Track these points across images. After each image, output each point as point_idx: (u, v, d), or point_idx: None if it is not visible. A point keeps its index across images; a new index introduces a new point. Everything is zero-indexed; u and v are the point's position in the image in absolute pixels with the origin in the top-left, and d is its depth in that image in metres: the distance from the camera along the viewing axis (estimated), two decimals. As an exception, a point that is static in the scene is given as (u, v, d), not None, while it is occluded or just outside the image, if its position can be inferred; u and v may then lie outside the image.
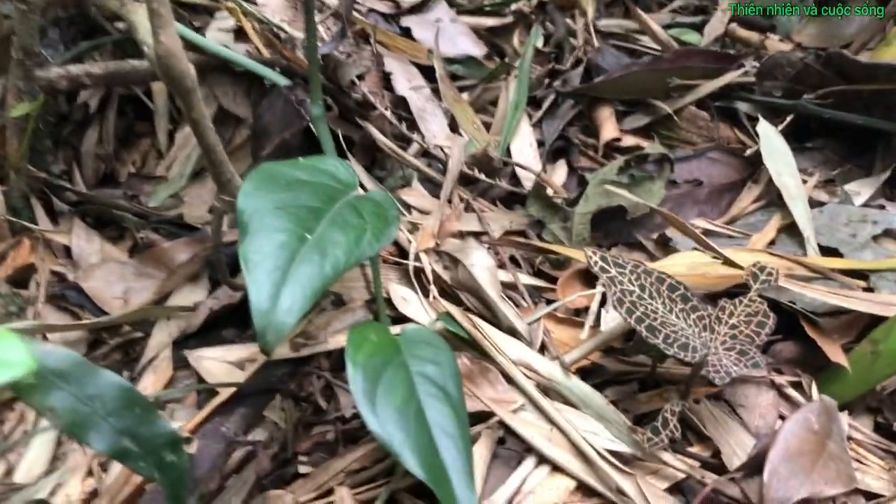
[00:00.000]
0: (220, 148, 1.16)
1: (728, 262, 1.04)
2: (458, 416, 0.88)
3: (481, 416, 1.00)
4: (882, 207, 1.30)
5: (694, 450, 1.02)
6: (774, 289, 1.10)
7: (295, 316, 0.84)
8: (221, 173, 1.18)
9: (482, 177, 1.41)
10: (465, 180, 1.46)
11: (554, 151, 1.54)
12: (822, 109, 1.42)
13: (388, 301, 1.17)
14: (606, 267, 0.95)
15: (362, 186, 1.26)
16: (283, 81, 1.20)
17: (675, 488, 0.98)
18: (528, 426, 0.97)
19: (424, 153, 1.50)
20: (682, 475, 0.97)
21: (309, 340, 1.09)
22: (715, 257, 1.04)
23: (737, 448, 0.98)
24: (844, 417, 1.04)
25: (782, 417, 1.04)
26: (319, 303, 1.16)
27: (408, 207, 1.39)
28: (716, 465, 0.99)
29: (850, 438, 1.03)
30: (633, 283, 0.95)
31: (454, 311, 1.09)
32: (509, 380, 1.03)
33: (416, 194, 1.40)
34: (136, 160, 1.83)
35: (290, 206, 0.96)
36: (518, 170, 1.46)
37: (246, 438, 1.04)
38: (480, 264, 1.14)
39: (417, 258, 1.22)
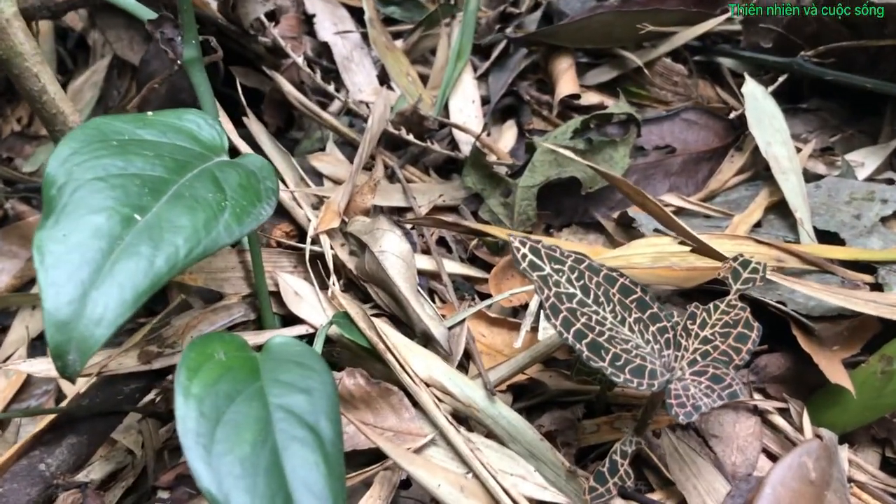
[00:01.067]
0: (52, 96, 0.91)
1: (702, 251, 0.81)
2: (331, 468, 0.65)
3: (379, 454, 0.77)
4: (891, 182, 1.06)
5: (654, 496, 0.79)
6: (757, 288, 0.87)
7: (108, 328, 0.63)
8: (54, 129, 0.93)
9: (412, 139, 1.16)
10: (392, 144, 1.21)
11: (502, 110, 1.29)
12: (821, 70, 1.17)
13: (277, 296, 0.93)
14: (538, 262, 0.71)
15: (234, 152, 1.00)
16: (146, 14, 0.95)
17: (629, 546, 0.76)
18: (435, 469, 0.74)
19: (348, 111, 1.25)
20: (636, 532, 0.75)
21: (165, 349, 0.85)
22: (684, 243, 0.81)
23: (707, 496, 0.76)
24: (844, 453, 0.82)
25: (767, 452, 0.82)
26: (186, 300, 0.92)
27: (320, 177, 1.14)
28: (680, 517, 0.76)
29: (851, 481, 0.81)
30: (574, 284, 0.71)
31: (354, 311, 0.86)
32: (418, 405, 0.80)
33: (330, 160, 1.15)
34: (23, 117, 1.57)
35: (118, 177, 0.73)
36: (456, 132, 1.21)
37: (72, 478, 0.80)
38: (392, 250, 0.90)
39: (316, 241, 0.97)
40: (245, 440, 0.64)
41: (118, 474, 0.89)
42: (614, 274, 0.73)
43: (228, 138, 1.01)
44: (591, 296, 0.71)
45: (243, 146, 1.08)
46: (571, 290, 0.71)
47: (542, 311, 0.76)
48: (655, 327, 0.71)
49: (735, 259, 0.77)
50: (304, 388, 0.69)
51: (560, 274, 0.71)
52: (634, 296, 0.72)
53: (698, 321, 0.74)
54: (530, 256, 0.71)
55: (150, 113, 0.83)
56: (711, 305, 0.75)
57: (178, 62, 0.96)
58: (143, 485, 0.89)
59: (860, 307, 0.82)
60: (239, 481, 0.62)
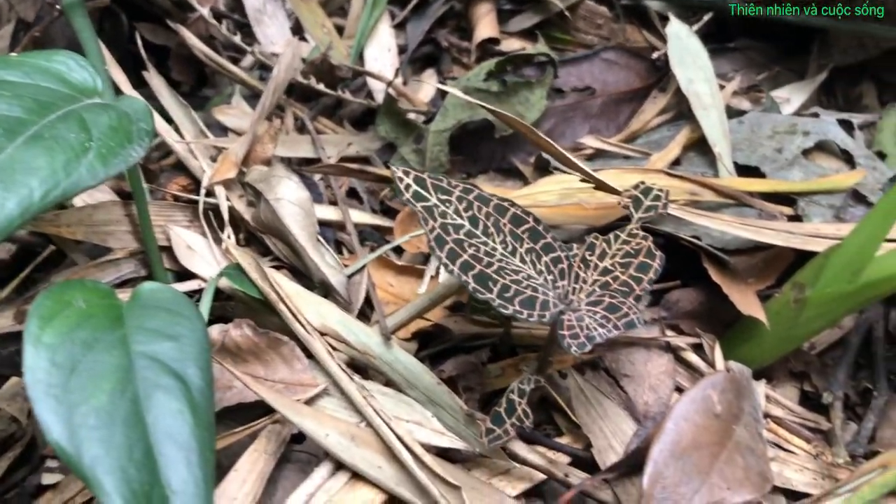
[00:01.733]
0: None
1: (603, 188, 0.77)
2: (198, 417, 0.60)
3: (270, 407, 0.72)
4: (816, 116, 1.03)
5: (562, 440, 0.75)
6: (672, 220, 0.83)
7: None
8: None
9: (323, 88, 1.11)
10: (305, 96, 1.16)
11: (421, 59, 1.24)
12: (747, 7, 1.13)
13: (170, 251, 0.87)
14: (423, 192, 0.67)
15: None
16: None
17: (534, 492, 0.72)
18: (325, 420, 0.69)
19: (261, 65, 1.20)
20: (541, 475, 0.71)
21: (42, 307, 0.79)
22: (585, 180, 0.77)
23: (613, 438, 0.72)
24: (761, 388, 0.79)
25: (680, 391, 0.78)
26: (65, 254, 0.86)
27: (226, 131, 1.09)
28: (588, 460, 0.73)
29: (767, 416, 0.78)
30: (462, 215, 0.67)
31: (246, 262, 0.81)
32: (312, 355, 0.75)
33: (235, 112, 1.10)
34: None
35: (-34, 117, 0.67)
36: (372, 82, 1.16)
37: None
38: (288, 197, 0.85)
39: (211, 193, 0.92)
40: (102, 389, 0.59)
41: (4, 444, 0.84)
42: (505, 203, 0.68)
43: (114, 83, 0.96)
44: (481, 226, 0.67)
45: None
46: (459, 220, 0.67)
47: (428, 245, 0.71)
48: (549, 257, 0.67)
49: (636, 187, 0.73)
50: (172, 334, 0.64)
51: (447, 205, 0.67)
52: (526, 226, 0.68)
53: (597, 252, 0.70)
54: (414, 187, 0.67)
55: (13, 54, 0.77)
56: (612, 235, 0.71)
57: (59, 7, 0.90)
58: (32, 454, 0.84)
59: (770, 238, 0.79)
60: (93, 432, 0.57)
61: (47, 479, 0.79)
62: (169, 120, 1.03)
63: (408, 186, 0.67)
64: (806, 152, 0.96)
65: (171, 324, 0.65)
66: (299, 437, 0.74)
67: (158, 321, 0.65)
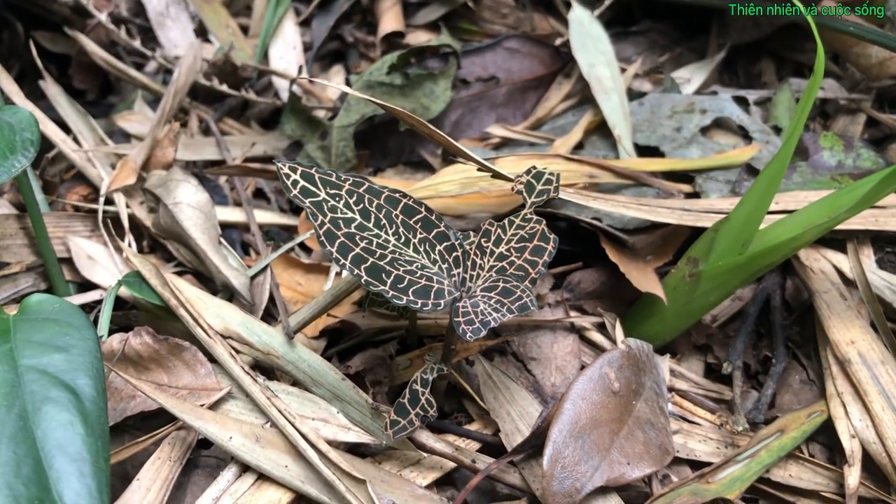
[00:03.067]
0: None
1: (497, 176, 0.77)
2: (90, 427, 0.59)
3: (173, 414, 0.71)
4: (714, 94, 1.05)
5: (472, 427, 0.76)
6: (573, 204, 0.84)
7: None
8: None
9: (226, 89, 1.09)
10: (211, 98, 1.15)
11: (329, 56, 1.23)
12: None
13: (71, 262, 0.85)
14: (311, 188, 0.66)
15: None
16: None
17: (446, 480, 0.73)
18: (228, 423, 0.69)
19: (166, 70, 1.18)
20: (451, 464, 0.71)
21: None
22: (481, 170, 0.77)
23: (520, 421, 0.73)
24: (665, 363, 0.80)
25: (586, 370, 0.80)
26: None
27: (128, 138, 1.07)
28: (498, 445, 0.73)
29: (672, 390, 0.79)
30: (353, 209, 0.67)
31: (146, 269, 0.79)
32: (215, 359, 0.74)
33: (138, 118, 1.08)
34: None
35: None
36: (278, 80, 1.15)
37: None
38: (186, 201, 0.84)
39: (111, 201, 0.90)
40: (-14, 407, 0.57)
41: None
42: (396, 195, 0.68)
43: (10, 101, 0.93)
44: (372, 219, 0.67)
45: (39, 113, 0.99)
46: (350, 214, 0.66)
47: (318, 240, 0.71)
48: (442, 246, 0.68)
49: (528, 172, 0.74)
50: (62, 345, 0.63)
51: (337, 199, 0.67)
52: (419, 216, 0.68)
53: (493, 238, 0.70)
54: (302, 182, 0.66)
55: None
56: (506, 221, 0.71)
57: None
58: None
59: (665, 217, 0.81)
60: (-23, 451, 0.56)
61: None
62: (67, 130, 1.01)
63: (295, 182, 0.66)
64: (704, 130, 0.99)
65: (60, 335, 0.63)
66: (207, 442, 0.74)
67: (47, 333, 0.63)
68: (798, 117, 0.69)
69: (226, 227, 0.92)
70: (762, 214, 0.71)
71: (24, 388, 0.60)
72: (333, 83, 1.14)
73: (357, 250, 0.64)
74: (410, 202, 0.69)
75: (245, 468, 0.68)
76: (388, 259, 0.65)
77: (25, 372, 0.61)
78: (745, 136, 0.99)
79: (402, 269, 0.64)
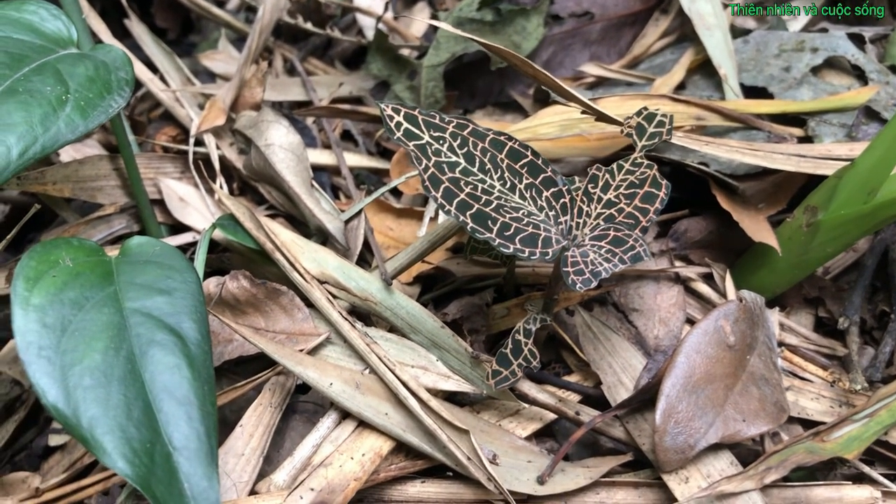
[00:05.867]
0: None
1: (603, 118, 0.73)
2: (196, 370, 0.59)
3: (272, 359, 0.70)
4: (825, 31, 0.98)
5: (572, 379, 0.74)
6: (678, 148, 0.80)
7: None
8: None
9: (311, 27, 1.07)
10: (294, 36, 1.12)
11: (413, -8, 1.19)
12: None
13: (162, 204, 0.85)
14: (414, 130, 0.64)
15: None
16: None
17: (545, 432, 0.71)
18: (328, 369, 0.68)
19: (248, 7, 1.16)
20: (552, 415, 0.70)
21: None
22: (586, 112, 0.73)
23: (623, 374, 0.70)
24: (775, 316, 0.77)
25: (692, 323, 0.77)
26: (57, 213, 0.84)
27: (214, 77, 1.05)
28: (598, 397, 0.71)
29: (782, 345, 0.76)
30: (457, 152, 0.64)
31: (240, 212, 0.78)
32: (312, 304, 0.73)
33: (223, 58, 1.06)
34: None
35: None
36: (362, 18, 1.12)
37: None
38: (278, 142, 0.82)
39: (201, 142, 0.89)
40: (95, 349, 0.58)
41: (8, 408, 0.83)
42: (501, 138, 0.65)
43: (94, 33, 0.92)
44: (477, 163, 0.64)
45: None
46: (454, 158, 0.64)
47: (422, 185, 0.68)
48: (549, 192, 0.65)
49: (638, 114, 0.70)
50: (164, 288, 0.62)
51: (441, 142, 0.64)
52: (525, 160, 0.65)
53: (601, 184, 0.67)
54: (405, 125, 0.64)
55: (-18, 4, 0.74)
56: (615, 166, 0.68)
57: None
58: (38, 417, 0.83)
59: (781, 164, 0.76)
60: (89, 392, 0.56)
61: (54, 440, 0.78)
62: (154, 69, 1.00)
63: (398, 125, 0.64)
64: (815, 70, 0.92)
65: (162, 277, 0.63)
66: (304, 388, 0.73)
67: (149, 276, 0.63)
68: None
69: (315, 170, 0.90)
70: (892, 162, 0.66)
71: (131, 330, 0.59)
72: (419, 24, 1.11)
73: (462, 196, 0.62)
74: (516, 145, 0.65)
75: (345, 415, 0.67)
76: (493, 205, 0.62)
77: (130, 315, 0.60)
78: (860, 76, 0.92)
79: (508, 216, 0.62)
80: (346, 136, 1.00)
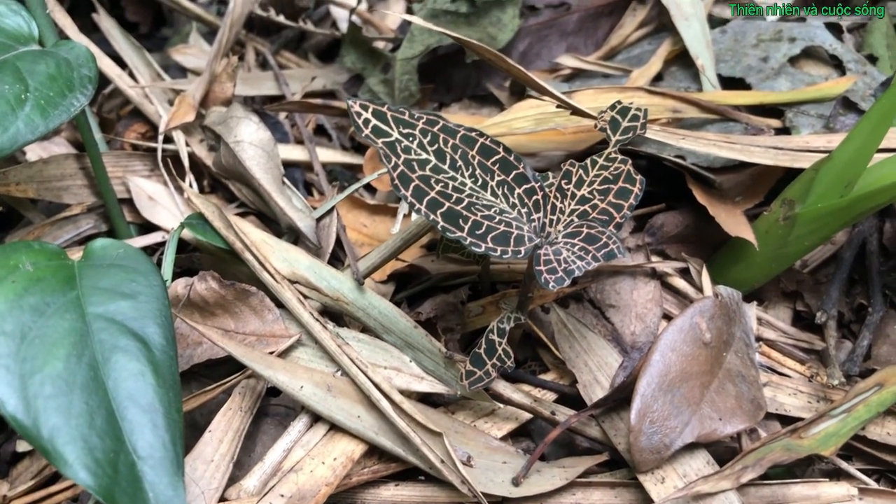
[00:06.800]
0: None
1: (577, 112, 0.72)
2: (161, 376, 0.58)
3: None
4: (803, 20, 0.97)
5: (548, 377, 0.73)
6: (654, 141, 0.79)
7: None
8: None
9: (283, 20, 1.05)
10: (265, 29, 1.10)
11: (388, -17, 1.17)
12: None
13: (131, 203, 0.83)
14: (383, 127, 0.62)
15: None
16: None
17: (521, 432, 0.70)
18: (298, 371, 0.66)
19: (220, 0, 1.14)
20: (527, 415, 0.69)
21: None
22: (560, 106, 0.72)
23: (599, 372, 0.69)
24: (753, 310, 0.76)
25: (669, 318, 0.76)
26: (22, 213, 0.82)
27: (184, 72, 1.03)
28: (575, 396, 0.70)
29: (760, 339, 0.75)
30: (427, 149, 0.63)
31: (209, 211, 0.77)
32: (282, 304, 0.72)
33: (194, 52, 1.04)
34: None
35: None
36: (335, 10, 1.10)
37: None
38: (248, 139, 0.81)
39: (170, 139, 0.87)
40: (57, 356, 0.56)
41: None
42: (473, 134, 0.64)
43: (63, 35, 0.90)
44: (448, 160, 0.63)
45: (93, 48, 0.96)
46: (424, 155, 0.62)
47: (392, 183, 0.67)
48: (522, 189, 0.63)
49: (612, 108, 0.69)
50: (128, 292, 0.61)
51: (410, 139, 0.63)
52: (496, 157, 0.64)
53: (574, 179, 0.66)
54: (374, 122, 0.62)
55: (-65, 1, 0.72)
56: (589, 161, 0.67)
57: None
58: (4, 422, 0.81)
59: (758, 158, 0.75)
60: (50, 401, 0.54)
61: (22, 446, 0.77)
62: (123, 65, 0.98)
63: (367, 122, 0.62)
64: (793, 60, 0.91)
65: (126, 281, 0.61)
66: (276, 390, 0.72)
67: (113, 279, 0.61)
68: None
69: (288, 166, 0.89)
70: (870, 155, 0.65)
71: (93, 336, 0.58)
72: (396, 12, 1.09)
73: (433, 194, 0.60)
74: (487, 142, 0.64)
75: (316, 418, 0.66)
76: (465, 203, 0.61)
77: (93, 320, 0.59)
78: (838, 66, 0.91)
79: (479, 213, 0.60)
80: (320, 130, 0.98)
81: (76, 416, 0.55)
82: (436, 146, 0.63)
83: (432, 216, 0.59)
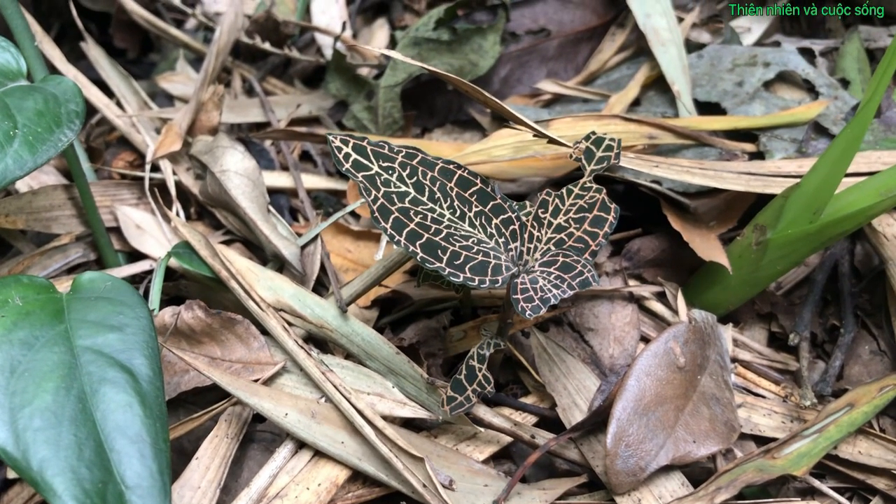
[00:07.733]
0: None
1: (552, 141, 0.74)
2: (148, 407, 0.59)
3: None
4: (777, 45, 1.00)
5: (528, 400, 0.74)
6: (630, 169, 0.81)
7: None
8: None
9: (269, 48, 1.07)
10: (251, 56, 1.12)
11: (372, 8, 1.20)
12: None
13: (119, 232, 0.85)
14: (363, 161, 0.64)
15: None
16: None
17: (503, 454, 0.72)
18: (283, 398, 0.68)
19: (207, 28, 1.15)
20: (508, 438, 0.70)
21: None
22: (537, 134, 0.74)
23: (577, 395, 0.71)
24: (728, 332, 0.78)
25: (646, 341, 0.77)
26: (11, 243, 0.84)
27: (172, 100, 1.05)
28: (555, 419, 0.72)
29: (735, 361, 0.77)
30: (406, 182, 0.64)
31: (195, 240, 0.78)
32: (268, 332, 0.73)
33: (181, 79, 1.06)
34: None
35: None
36: (321, 37, 1.12)
37: None
38: (234, 168, 0.82)
39: (157, 168, 0.89)
40: (46, 389, 0.57)
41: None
42: (451, 167, 0.66)
43: (51, 64, 0.91)
44: (426, 192, 0.64)
45: (81, 77, 0.97)
46: (403, 188, 0.64)
47: (372, 216, 0.68)
48: (499, 219, 0.65)
49: (587, 138, 0.71)
50: (116, 325, 0.62)
51: (390, 172, 0.64)
52: (474, 188, 0.65)
53: (551, 208, 0.68)
54: (354, 155, 0.64)
55: (-76, 38, 0.73)
56: (564, 190, 0.68)
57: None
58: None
59: (731, 184, 0.77)
60: (39, 434, 0.56)
61: (13, 473, 0.77)
62: (110, 93, 0.99)
63: (347, 156, 0.64)
64: (767, 84, 0.94)
65: (114, 314, 0.63)
66: (262, 416, 0.73)
67: (101, 312, 0.63)
68: (881, 73, 0.64)
69: (273, 193, 0.90)
70: (837, 182, 0.67)
71: (82, 369, 0.59)
72: (378, 42, 1.11)
73: (412, 226, 0.62)
74: (465, 174, 0.66)
75: (301, 444, 0.68)
76: (443, 234, 0.62)
77: (81, 353, 0.60)
78: (811, 90, 0.94)
79: (458, 244, 0.62)
80: (306, 156, 1.00)
81: (65, 447, 0.56)
82: (415, 178, 0.65)
83: (412, 248, 0.61)
